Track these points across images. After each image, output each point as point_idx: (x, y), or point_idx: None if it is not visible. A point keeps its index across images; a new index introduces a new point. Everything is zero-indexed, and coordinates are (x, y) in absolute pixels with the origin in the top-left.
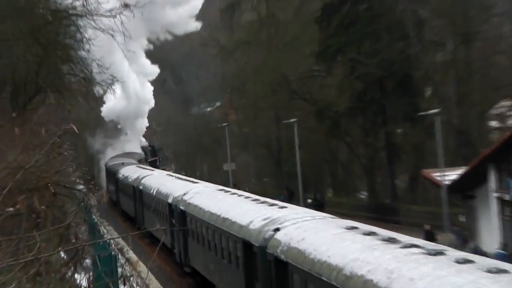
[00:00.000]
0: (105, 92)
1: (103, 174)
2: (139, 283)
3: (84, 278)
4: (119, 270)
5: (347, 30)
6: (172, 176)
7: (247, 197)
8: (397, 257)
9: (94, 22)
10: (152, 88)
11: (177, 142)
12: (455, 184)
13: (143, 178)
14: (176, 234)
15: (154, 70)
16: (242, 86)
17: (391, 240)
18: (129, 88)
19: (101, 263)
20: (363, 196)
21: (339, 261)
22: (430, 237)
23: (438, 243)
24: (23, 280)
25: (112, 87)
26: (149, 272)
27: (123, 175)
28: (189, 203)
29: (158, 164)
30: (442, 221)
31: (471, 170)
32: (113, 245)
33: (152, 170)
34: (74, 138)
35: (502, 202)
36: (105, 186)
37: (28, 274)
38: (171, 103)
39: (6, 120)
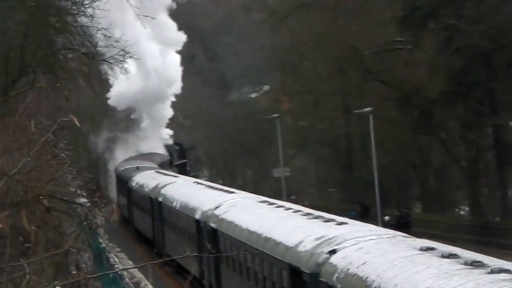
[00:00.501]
0: (114, 72)
1: (112, 183)
2: None
3: None
4: None
5: None
6: (201, 184)
7: (296, 211)
8: (481, 285)
9: None
10: (178, 61)
11: (211, 139)
12: None
13: (163, 187)
14: (205, 260)
15: (179, 38)
16: (298, 64)
17: (476, 265)
18: (147, 63)
19: None
20: (463, 213)
21: None
22: None
23: None
24: None
25: (124, 65)
26: None
27: (137, 184)
28: (222, 219)
29: (188, 168)
30: None
31: None
32: (126, 278)
33: (176, 176)
34: (73, 135)
35: None
36: (115, 199)
37: None
38: (203, 87)
39: None
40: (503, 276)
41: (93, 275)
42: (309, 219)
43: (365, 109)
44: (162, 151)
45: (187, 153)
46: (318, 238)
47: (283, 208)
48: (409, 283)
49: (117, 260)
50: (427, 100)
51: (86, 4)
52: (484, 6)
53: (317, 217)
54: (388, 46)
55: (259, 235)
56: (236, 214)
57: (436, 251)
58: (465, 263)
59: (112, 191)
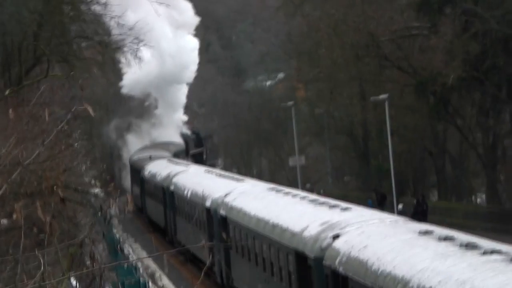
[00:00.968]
0: (128, 60)
1: (127, 173)
2: None
3: None
4: None
5: None
6: (212, 173)
7: (303, 198)
8: (473, 265)
9: None
10: (194, 45)
11: (226, 128)
12: None
13: (174, 176)
14: (215, 247)
15: (192, 20)
16: (314, 51)
17: (471, 246)
18: (161, 47)
19: None
20: (480, 200)
21: (405, 272)
22: None
23: None
24: None
25: (138, 53)
26: None
27: (149, 173)
28: (232, 207)
29: (205, 157)
30: None
31: None
32: (141, 269)
33: (187, 165)
34: (87, 125)
35: None
36: (130, 189)
37: None
38: (218, 75)
39: None
40: (494, 257)
41: (108, 265)
42: (315, 205)
43: (381, 96)
44: (178, 139)
45: (204, 142)
46: (322, 224)
47: (290, 195)
48: (407, 265)
49: (132, 251)
50: (444, 87)
51: None
52: None
53: (323, 203)
54: (404, 32)
55: (266, 222)
56: (245, 201)
57: (434, 234)
58: (460, 245)
59: (127, 181)
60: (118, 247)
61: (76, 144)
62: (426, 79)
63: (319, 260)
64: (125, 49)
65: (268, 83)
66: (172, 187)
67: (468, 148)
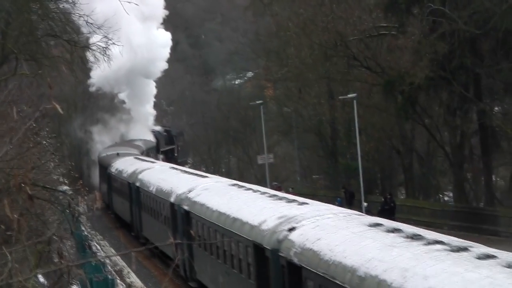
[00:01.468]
0: (96, 59)
1: (95, 171)
2: None
3: None
4: None
5: None
6: (177, 169)
7: (263, 193)
8: (417, 255)
9: None
10: (166, 38)
11: (194, 126)
12: None
13: (140, 172)
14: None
15: (159, 12)
16: (282, 51)
17: (415, 237)
18: (131, 42)
19: None
20: (447, 199)
21: (354, 261)
22: None
23: None
24: None
25: (106, 52)
26: None
27: (116, 170)
28: (195, 202)
29: (176, 154)
30: None
31: None
32: (109, 266)
33: (154, 162)
34: (55, 123)
35: None
36: (98, 186)
37: None
38: (186, 73)
39: None
40: (437, 247)
41: (76, 263)
42: (273, 200)
43: (350, 95)
44: (148, 135)
45: (175, 139)
46: (280, 217)
47: (251, 191)
48: (356, 255)
49: (100, 248)
50: (412, 86)
51: None
52: None
53: (281, 198)
54: (373, 32)
55: (227, 216)
56: (208, 197)
57: (383, 226)
58: (406, 237)
59: (95, 178)
60: (86, 244)
61: (44, 142)
62: (394, 79)
63: (275, 251)
64: (94, 48)
65: (237, 82)
66: (138, 183)
67: (436, 147)
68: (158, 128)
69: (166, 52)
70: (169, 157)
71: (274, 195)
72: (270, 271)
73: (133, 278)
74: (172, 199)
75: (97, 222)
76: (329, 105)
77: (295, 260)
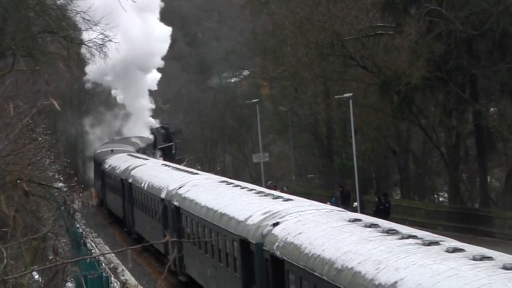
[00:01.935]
0: (93, 56)
1: (91, 167)
2: None
3: None
4: None
5: None
6: (169, 166)
7: (250, 190)
8: (390, 248)
9: None
10: (165, 32)
11: (190, 124)
12: None
13: (133, 169)
14: (170, 236)
15: (154, 3)
16: (279, 49)
17: (391, 232)
18: (128, 34)
19: (88, 287)
20: (442, 199)
21: (332, 254)
22: None
23: None
24: None
25: (103, 49)
26: None
27: (110, 166)
28: (185, 198)
29: (173, 151)
30: None
31: None
32: (103, 264)
33: (146, 159)
34: (51, 119)
35: None
36: (94, 183)
37: None
38: (182, 71)
39: None
40: (409, 241)
41: (71, 261)
42: (260, 196)
43: (346, 95)
44: (145, 130)
45: (173, 136)
46: (265, 213)
47: (239, 187)
48: (334, 248)
49: (94, 245)
50: (408, 86)
51: None
52: None
53: (267, 195)
54: (369, 32)
55: (215, 211)
56: (197, 193)
57: (361, 222)
58: (382, 231)
59: (91, 175)
60: (81, 241)
61: (40, 138)
62: (390, 79)
63: (260, 245)
64: (90, 44)
65: (233, 80)
66: (130, 180)
67: (431, 148)
68: (156, 125)
69: (164, 47)
70: (167, 154)
71: (261, 192)
72: (255, 264)
73: (128, 276)
74: (163, 195)
75: (92, 219)
76: (325, 104)
77: (278, 253)
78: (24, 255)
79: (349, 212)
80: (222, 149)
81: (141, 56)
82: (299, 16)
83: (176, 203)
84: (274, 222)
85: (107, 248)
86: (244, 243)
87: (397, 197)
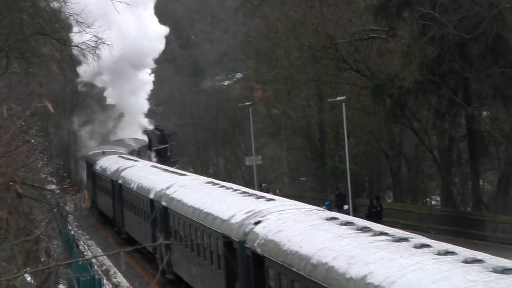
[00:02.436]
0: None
1: (84, 169)
2: None
3: None
4: None
5: None
6: (158, 168)
7: (235, 190)
8: (363, 244)
9: None
10: (160, 29)
11: (183, 127)
12: None
13: (123, 170)
14: (158, 235)
15: None
16: (272, 52)
17: (365, 230)
18: (122, 31)
19: None
20: (435, 203)
21: (308, 251)
22: None
23: None
24: None
25: (96, 51)
26: None
27: (100, 167)
28: (172, 198)
29: (169, 153)
30: None
31: None
32: (96, 266)
33: (136, 161)
34: (43, 121)
35: None
36: (86, 184)
37: None
38: (175, 74)
39: None
40: (381, 237)
41: (64, 263)
42: (244, 196)
43: (339, 98)
44: (140, 134)
45: (168, 138)
46: (247, 212)
47: (224, 188)
48: (310, 244)
49: (87, 247)
50: (401, 90)
51: None
52: None
53: (251, 195)
54: (362, 35)
55: (201, 211)
56: (184, 193)
57: (337, 220)
58: (356, 229)
59: (84, 177)
60: (74, 243)
61: (32, 140)
62: (383, 82)
63: (242, 243)
64: (83, 47)
65: (226, 83)
66: (120, 181)
67: (424, 151)
68: (151, 127)
69: (159, 46)
70: (162, 156)
71: (245, 192)
72: (237, 261)
73: (120, 278)
74: (151, 196)
75: (84, 221)
76: (318, 107)
77: (259, 250)
78: (16, 257)
79: (328, 211)
80: (215, 151)
81: (135, 52)
82: (293, 19)
83: (164, 203)
84: (256, 220)
85: (99, 250)
86: (228, 241)
87: (390, 200)
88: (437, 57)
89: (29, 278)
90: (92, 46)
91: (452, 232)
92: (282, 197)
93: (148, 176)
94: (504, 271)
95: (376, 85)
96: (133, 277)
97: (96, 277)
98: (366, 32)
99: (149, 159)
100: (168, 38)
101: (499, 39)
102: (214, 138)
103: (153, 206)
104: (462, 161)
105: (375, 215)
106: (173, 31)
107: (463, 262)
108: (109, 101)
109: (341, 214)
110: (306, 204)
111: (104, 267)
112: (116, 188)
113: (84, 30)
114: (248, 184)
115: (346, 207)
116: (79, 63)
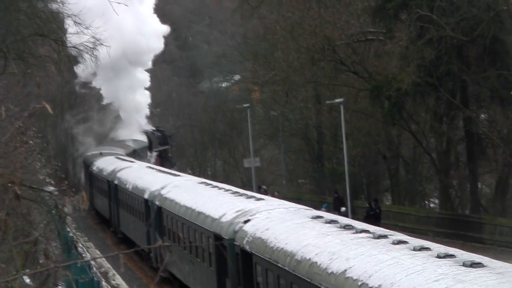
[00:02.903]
0: (84, 59)
1: (82, 170)
2: None
3: None
4: None
5: None
6: (153, 168)
7: (226, 190)
8: (344, 241)
9: None
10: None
11: (181, 128)
12: None
13: (119, 171)
14: (152, 235)
15: None
16: (270, 54)
17: (347, 227)
18: (120, 29)
19: None
20: (433, 205)
21: (293, 247)
22: None
23: None
24: None
25: (94, 52)
26: None
27: (97, 168)
28: (166, 198)
29: (170, 154)
30: None
31: None
32: (94, 268)
33: (132, 161)
34: (41, 122)
35: None
36: (84, 186)
37: None
38: (173, 75)
39: None
40: (362, 235)
41: (62, 265)
42: (234, 196)
43: (337, 100)
44: (139, 135)
45: (169, 139)
46: (238, 211)
47: (216, 188)
48: (296, 241)
49: (85, 249)
50: (398, 92)
51: None
52: None
53: (241, 195)
54: (360, 37)
55: (193, 210)
56: (177, 193)
57: (322, 219)
58: (340, 227)
59: (82, 178)
60: (72, 245)
61: (30, 141)
62: (381, 84)
63: (232, 241)
64: (81, 47)
65: (224, 84)
66: (116, 181)
67: (422, 153)
68: (151, 127)
69: (158, 44)
70: (163, 157)
71: (236, 192)
72: (227, 258)
73: (119, 280)
74: (146, 196)
75: (83, 222)
76: (316, 109)
77: (247, 247)
78: (15, 259)
79: (314, 210)
80: (213, 153)
81: (133, 49)
82: (290, 21)
83: (158, 203)
84: (245, 219)
85: (98, 252)
86: (218, 239)
87: (388, 203)
88: (434, 59)
89: (27, 280)
90: (90, 47)
91: (450, 235)
92: (281, 200)
93: (143, 176)
94: (473, 265)
95: (374, 87)
96: (132, 279)
97: (95, 279)
98: (364, 34)
99: (149, 160)
100: (166, 39)
101: (496, 41)
102: (212, 140)
103: (147, 206)
104: (460, 164)
105: (373, 217)
106: (171, 32)
107: (436, 257)
108: (106, 98)
109: (326, 213)
110: (294, 204)
111: (102, 269)
112: (112, 189)
113: (82, 31)
114: (246, 186)
115: (343, 209)
116: (76, 63)
